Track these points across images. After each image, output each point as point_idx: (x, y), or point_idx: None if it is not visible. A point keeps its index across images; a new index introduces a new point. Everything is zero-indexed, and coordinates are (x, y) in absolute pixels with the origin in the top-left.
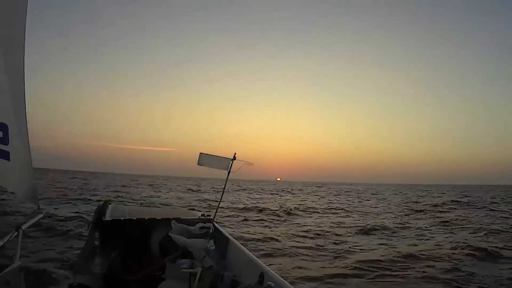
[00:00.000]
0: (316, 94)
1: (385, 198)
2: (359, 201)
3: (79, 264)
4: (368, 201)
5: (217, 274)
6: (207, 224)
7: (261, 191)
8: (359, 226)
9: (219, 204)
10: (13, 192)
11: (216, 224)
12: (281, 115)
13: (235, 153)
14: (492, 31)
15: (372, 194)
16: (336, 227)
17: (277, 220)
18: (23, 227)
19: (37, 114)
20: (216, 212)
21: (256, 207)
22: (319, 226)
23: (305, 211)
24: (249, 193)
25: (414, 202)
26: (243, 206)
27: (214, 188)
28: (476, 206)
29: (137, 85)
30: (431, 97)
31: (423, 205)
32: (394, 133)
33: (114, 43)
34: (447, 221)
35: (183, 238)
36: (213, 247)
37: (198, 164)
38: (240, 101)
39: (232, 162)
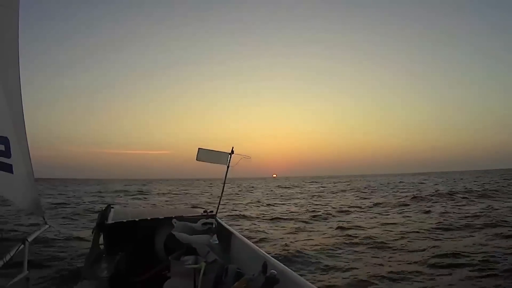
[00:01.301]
0: (304, 89)
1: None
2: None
3: (85, 269)
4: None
5: (222, 267)
6: (210, 220)
7: (273, 189)
8: None
9: (220, 199)
10: (17, 204)
11: (218, 219)
12: (269, 113)
13: (232, 147)
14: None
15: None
16: None
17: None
18: (29, 239)
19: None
20: (218, 207)
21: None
22: None
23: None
24: (264, 193)
25: None
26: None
27: (185, 190)
28: None
29: (128, 89)
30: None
31: None
32: (382, 125)
33: (106, 48)
34: None
35: (186, 235)
36: (216, 242)
37: (197, 159)
38: (232, 100)
39: (231, 156)
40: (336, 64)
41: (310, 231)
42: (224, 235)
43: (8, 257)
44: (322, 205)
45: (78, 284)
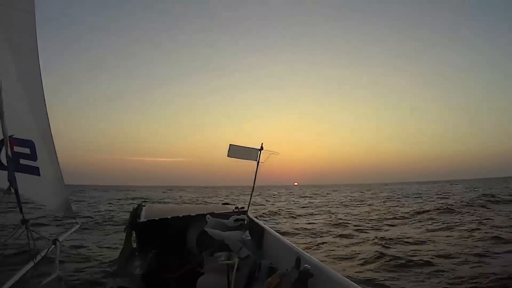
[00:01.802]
0: (320, 99)
1: None
2: None
3: (118, 266)
4: None
5: (255, 263)
6: (242, 216)
7: (305, 198)
8: None
9: (251, 196)
10: (47, 206)
11: (250, 215)
12: (288, 122)
13: (262, 143)
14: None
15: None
16: None
17: None
18: (60, 239)
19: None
20: (249, 203)
21: None
22: None
23: None
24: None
25: None
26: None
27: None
28: None
29: (149, 97)
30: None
31: None
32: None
33: (127, 57)
34: None
35: (219, 232)
36: (249, 238)
37: (228, 155)
38: (250, 110)
39: (260, 152)
40: (351, 73)
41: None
42: (256, 230)
43: (39, 257)
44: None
45: (111, 282)
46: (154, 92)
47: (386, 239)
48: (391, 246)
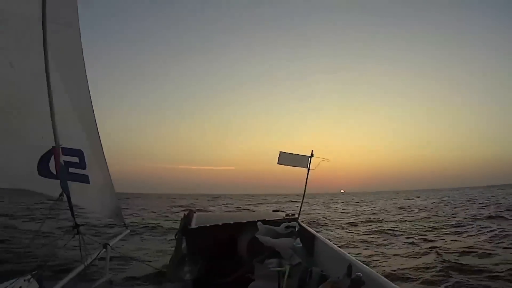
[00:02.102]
0: (363, 105)
1: None
2: None
3: (169, 272)
4: None
5: (306, 270)
6: (292, 223)
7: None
8: None
9: (301, 203)
10: (97, 213)
11: (301, 222)
12: (331, 129)
13: (312, 150)
14: None
15: None
16: None
17: None
18: (111, 243)
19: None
20: (300, 210)
21: None
22: None
23: None
24: None
25: None
26: None
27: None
28: None
29: (195, 106)
30: None
31: None
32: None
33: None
34: None
35: (270, 239)
36: (300, 245)
37: (278, 163)
38: (295, 118)
39: (310, 159)
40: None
41: None
42: (307, 238)
43: (89, 260)
44: None
45: (161, 286)
46: (201, 101)
47: None
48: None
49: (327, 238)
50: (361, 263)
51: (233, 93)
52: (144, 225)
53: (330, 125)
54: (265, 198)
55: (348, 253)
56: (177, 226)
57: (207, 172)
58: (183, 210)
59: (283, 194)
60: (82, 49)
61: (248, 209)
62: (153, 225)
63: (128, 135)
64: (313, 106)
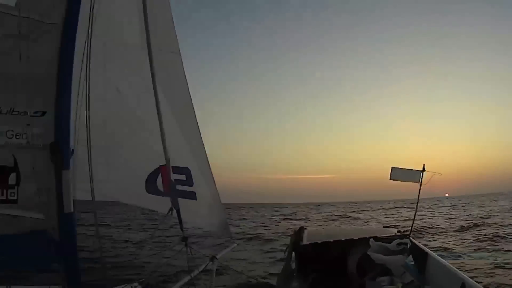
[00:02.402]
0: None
1: None
2: None
3: (277, 286)
4: None
5: None
6: (404, 240)
7: None
8: None
9: (413, 219)
10: (204, 228)
11: (413, 239)
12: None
13: (424, 164)
14: None
15: None
16: None
17: None
18: (218, 256)
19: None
20: (412, 227)
21: None
22: None
23: None
24: None
25: None
26: None
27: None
28: None
29: (291, 114)
30: None
31: None
32: None
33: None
34: None
35: (381, 256)
36: (412, 263)
37: (390, 178)
38: (393, 123)
39: (422, 173)
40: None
41: None
42: (419, 255)
43: (196, 272)
44: None
45: None
46: (300, 109)
47: None
48: None
49: (441, 255)
50: (475, 282)
51: (331, 100)
52: (244, 236)
53: (432, 126)
54: (368, 204)
55: (461, 270)
56: (274, 236)
57: (308, 181)
58: (284, 219)
59: (386, 200)
60: (184, 71)
61: (356, 226)
62: (251, 235)
63: (229, 147)
64: (420, 111)
